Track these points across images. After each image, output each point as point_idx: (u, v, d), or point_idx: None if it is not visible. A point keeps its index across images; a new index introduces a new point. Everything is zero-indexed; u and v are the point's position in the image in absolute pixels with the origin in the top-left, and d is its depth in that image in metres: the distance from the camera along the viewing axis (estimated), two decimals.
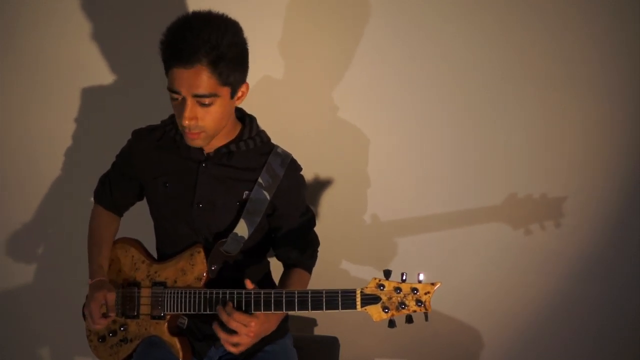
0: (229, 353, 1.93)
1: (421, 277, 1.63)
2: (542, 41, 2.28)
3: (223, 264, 1.88)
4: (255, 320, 1.74)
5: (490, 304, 2.52)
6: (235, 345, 1.75)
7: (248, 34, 1.75)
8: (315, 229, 2.03)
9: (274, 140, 1.96)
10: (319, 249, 2.04)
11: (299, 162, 1.94)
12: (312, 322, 2.59)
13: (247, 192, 1.87)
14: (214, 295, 1.79)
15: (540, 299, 2.49)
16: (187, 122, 1.70)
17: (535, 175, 2.38)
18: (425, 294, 1.62)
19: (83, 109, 2.48)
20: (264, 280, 2.03)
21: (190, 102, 1.69)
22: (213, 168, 1.87)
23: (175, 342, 1.87)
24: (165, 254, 1.97)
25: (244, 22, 1.74)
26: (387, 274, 1.64)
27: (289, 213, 1.93)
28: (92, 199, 2.12)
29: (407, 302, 1.62)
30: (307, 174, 1.99)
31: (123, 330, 1.93)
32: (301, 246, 1.97)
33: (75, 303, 2.07)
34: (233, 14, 1.74)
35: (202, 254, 1.86)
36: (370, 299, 1.64)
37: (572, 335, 2.52)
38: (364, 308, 1.64)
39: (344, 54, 2.36)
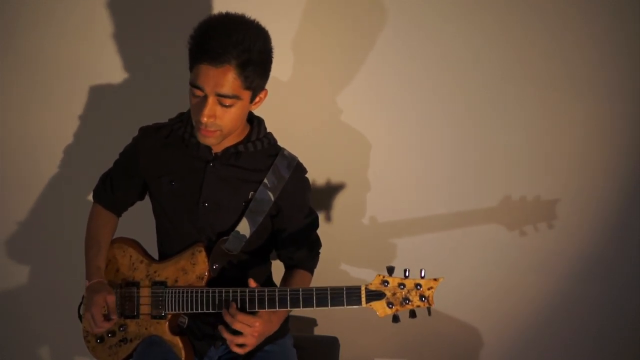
0: (229, 352, 1.93)
1: (423, 272, 1.65)
2: (542, 41, 2.28)
3: (225, 264, 1.88)
4: (259, 320, 1.74)
5: (491, 304, 2.52)
6: (240, 346, 1.75)
7: None
8: (318, 230, 2.03)
9: (278, 142, 1.97)
10: (321, 250, 2.05)
11: (303, 163, 1.96)
12: (312, 322, 2.58)
13: (252, 192, 1.88)
14: (217, 294, 1.79)
15: (541, 299, 2.49)
16: (205, 119, 1.71)
17: (535, 176, 2.39)
18: (429, 289, 1.64)
19: (83, 109, 2.48)
20: (266, 280, 2.04)
21: (211, 100, 1.70)
22: (220, 168, 1.87)
23: (178, 342, 1.87)
24: (167, 252, 1.96)
25: None
26: (391, 270, 1.66)
27: (293, 215, 1.94)
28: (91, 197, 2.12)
29: (410, 298, 1.64)
30: (311, 175, 2.00)
31: (122, 330, 1.93)
32: (304, 247, 1.97)
33: (75, 303, 2.06)
34: None
35: (204, 253, 1.86)
36: (374, 295, 1.66)
37: (572, 335, 2.52)
38: (369, 304, 1.66)
39: (344, 55, 2.37)
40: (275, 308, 1.73)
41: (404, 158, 2.43)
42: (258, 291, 1.74)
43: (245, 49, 1.66)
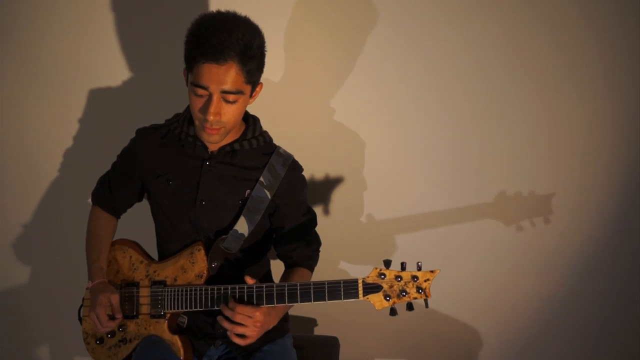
0: (229, 352, 1.94)
1: (420, 264, 1.66)
2: (542, 41, 2.29)
3: (223, 262, 1.89)
4: (259, 310, 1.74)
5: (490, 303, 2.52)
6: (241, 336, 1.75)
7: None
8: (316, 228, 2.04)
9: (274, 141, 1.98)
10: (320, 248, 2.05)
11: (299, 162, 1.96)
12: (312, 322, 2.58)
13: (249, 190, 1.89)
14: (215, 292, 1.79)
15: (541, 299, 2.49)
16: (212, 117, 1.72)
17: (535, 174, 2.39)
18: (425, 281, 1.65)
19: (83, 110, 2.48)
20: (264, 278, 2.04)
21: (216, 98, 1.71)
22: (217, 166, 1.89)
23: (177, 341, 1.87)
24: (166, 253, 1.97)
25: None
26: (387, 263, 1.67)
27: (291, 212, 1.95)
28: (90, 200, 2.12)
29: (407, 290, 1.65)
30: (307, 173, 2.00)
31: (121, 330, 1.92)
32: (303, 245, 1.98)
33: (75, 303, 2.06)
34: None
35: (203, 251, 1.87)
36: (371, 288, 1.66)
37: (573, 334, 2.51)
38: (366, 297, 1.67)
39: (343, 54, 2.37)
40: (274, 304, 1.74)
41: (403, 155, 2.43)
42: (256, 287, 1.75)
43: (247, 45, 1.68)
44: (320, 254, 2.05)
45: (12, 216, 2.61)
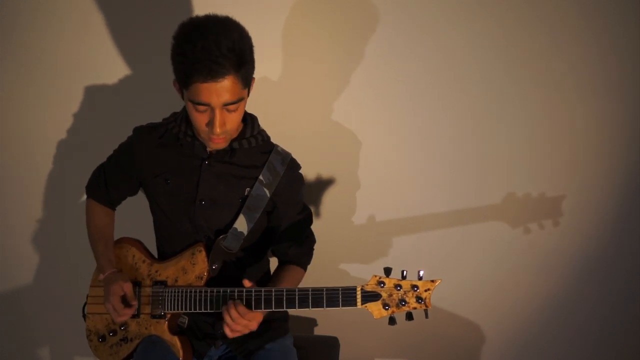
0: (229, 352, 1.95)
1: (421, 274, 1.64)
2: (542, 41, 2.28)
3: (224, 262, 1.89)
4: (256, 320, 1.76)
5: (491, 303, 2.52)
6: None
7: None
8: (315, 229, 2.04)
9: (272, 140, 1.98)
10: (318, 248, 2.06)
11: (298, 161, 1.97)
12: (312, 322, 2.59)
13: (248, 188, 1.89)
14: (215, 294, 1.79)
15: (541, 298, 2.49)
16: (219, 130, 1.72)
17: (536, 175, 2.39)
18: (426, 291, 1.62)
19: (83, 109, 2.48)
20: (264, 278, 2.04)
21: (219, 111, 1.70)
22: (216, 165, 1.88)
23: (176, 341, 1.88)
24: (166, 251, 1.98)
25: (242, 23, 1.74)
26: (388, 271, 1.65)
27: (287, 210, 1.95)
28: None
29: (407, 299, 1.62)
30: (306, 173, 2.00)
31: (123, 329, 1.94)
32: (297, 243, 1.99)
33: (75, 303, 2.07)
34: (231, 15, 1.74)
35: (204, 253, 1.87)
36: (370, 296, 1.64)
37: (573, 334, 2.52)
38: (364, 305, 1.64)
39: (343, 54, 2.36)
40: (272, 308, 1.73)
41: (403, 155, 2.43)
42: (255, 291, 1.74)
43: (238, 53, 1.65)
44: (320, 254, 2.05)
45: (12, 216, 2.61)
